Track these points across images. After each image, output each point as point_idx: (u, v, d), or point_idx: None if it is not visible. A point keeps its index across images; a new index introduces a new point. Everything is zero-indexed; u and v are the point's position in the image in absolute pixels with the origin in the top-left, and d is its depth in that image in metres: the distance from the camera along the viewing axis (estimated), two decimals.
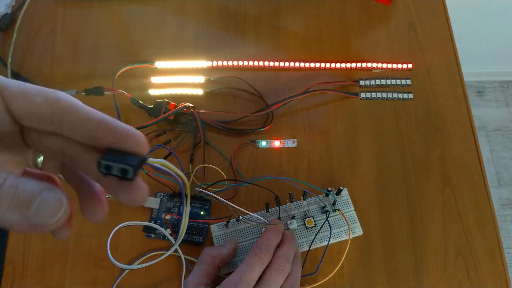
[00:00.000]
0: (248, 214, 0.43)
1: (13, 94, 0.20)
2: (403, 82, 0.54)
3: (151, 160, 0.22)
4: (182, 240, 0.44)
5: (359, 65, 0.54)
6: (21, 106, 0.20)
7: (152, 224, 0.35)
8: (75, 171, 0.24)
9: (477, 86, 1.39)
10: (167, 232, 0.45)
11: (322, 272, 0.44)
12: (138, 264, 0.44)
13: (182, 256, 0.43)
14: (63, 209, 0.19)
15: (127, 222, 0.32)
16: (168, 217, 0.46)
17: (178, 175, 0.23)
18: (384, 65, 0.55)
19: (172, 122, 0.50)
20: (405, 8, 0.58)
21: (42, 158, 0.24)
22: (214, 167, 0.48)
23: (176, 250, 0.43)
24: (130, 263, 0.44)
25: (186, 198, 0.24)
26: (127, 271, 0.44)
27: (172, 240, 0.43)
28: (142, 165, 0.21)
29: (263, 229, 0.44)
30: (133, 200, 0.21)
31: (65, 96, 0.21)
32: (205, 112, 0.51)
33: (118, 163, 0.20)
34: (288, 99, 0.51)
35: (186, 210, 0.25)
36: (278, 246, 0.41)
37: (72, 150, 0.22)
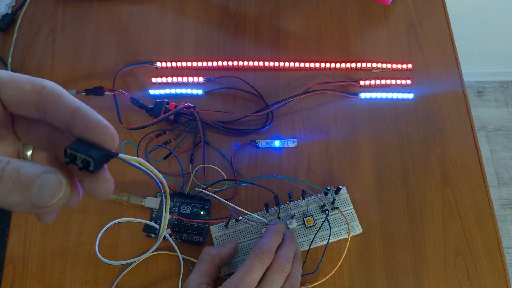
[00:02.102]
0: (248, 214, 0.43)
1: (3, 82, 0.21)
2: (403, 82, 0.54)
3: (124, 156, 0.22)
4: (182, 240, 0.45)
5: (359, 65, 0.54)
6: (9, 93, 0.21)
7: (144, 221, 0.35)
8: (63, 164, 0.25)
9: (477, 86, 1.39)
10: (166, 232, 0.45)
11: (322, 272, 0.44)
12: (137, 265, 0.45)
13: (180, 255, 0.43)
14: (63, 190, 0.20)
15: (120, 219, 0.32)
16: (168, 217, 0.46)
17: (155, 175, 0.23)
18: (384, 65, 0.55)
19: (172, 122, 0.50)
20: (405, 8, 0.58)
21: (31, 151, 0.24)
22: (214, 167, 0.48)
23: (174, 250, 0.44)
24: (130, 263, 0.44)
25: (165, 198, 0.24)
26: (126, 270, 0.44)
27: (172, 242, 0.43)
28: (108, 159, 0.21)
29: (263, 229, 0.44)
30: (94, 190, 0.21)
31: (51, 84, 0.22)
32: (205, 112, 0.51)
33: (82, 153, 0.20)
34: (288, 99, 0.51)
35: (166, 211, 0.25)
36: (278, 246, 0.41)
37: (56, 140, 0.23)
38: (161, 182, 0.24)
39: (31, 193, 0.19)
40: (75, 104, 0.22)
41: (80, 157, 0.20)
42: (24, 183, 0.19)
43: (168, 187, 0.47)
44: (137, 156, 0.48)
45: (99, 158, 0.21)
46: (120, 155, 0.22)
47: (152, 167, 0.23)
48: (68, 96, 0.22)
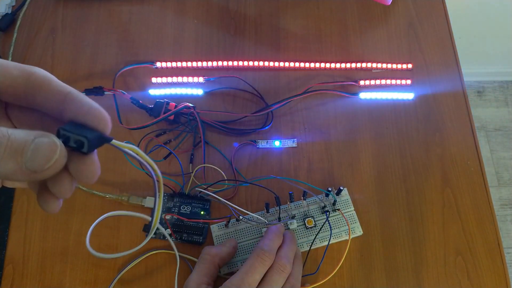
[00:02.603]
0: (248, 214, 0.43)
1: None
2: (403, 82, 0.54)
3: (118, 142, 0.22)
4: (182, 240, 0.45)
5: (359, 65, 0.54)
6: None
7: (137, 214, 0.35)
8: None
9: (477, 86, 1.39)
10: (167, 232, 0.45)
11: (323, 272, 0.44)
12: (136, 264, 0.45)
13: (177, 252, 0.43)
14: (58, 151, 0.19)
15: (114, 212, 0.32)
16: (168, 217, 0.46)
17: (148, 163, 0.23)
18: (384, 65, 0.55)
19: (172, 122, 0.50)
20: (405, 8, 0.58)
21: None
22: (214, 167, 0.48)
23: (171, 248, 0.44)
24: (130, 262, 0.44)
25: (159, 186, 0.24)
26: (125, 270, 0.44)
27: (171, 241, 0.43)
28: (102, 142, 0.21)
29: (264, 229, 0.44)
30: (80, 172, 0.21)
31: (40, 70, 0.22)
32: (205, 112, 0.51)
33: (75, 134, 0.20)
34: (288, 99, 0.51)
35: (159, 200, 0.25)
36: (279, 246, 0.41)
37: (49, 126, 0.23)
38: (154, 170, 0.23)
39: (25, 158, 0.19)
40: (66, 89, 0.21)
41: (74, 138, 0.20)
42: (16, 148, 0.18)
43: (168, 187, 0.47)
44: None
45: (93, 140, 0.20)
46: (114, 141, 0.21)
47: (145, 155, 0.23)
48: (58, 82, 0.22)
